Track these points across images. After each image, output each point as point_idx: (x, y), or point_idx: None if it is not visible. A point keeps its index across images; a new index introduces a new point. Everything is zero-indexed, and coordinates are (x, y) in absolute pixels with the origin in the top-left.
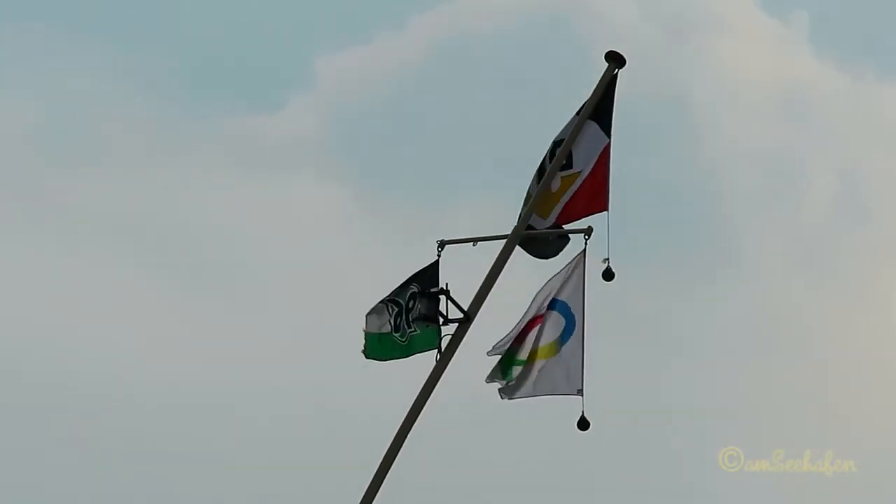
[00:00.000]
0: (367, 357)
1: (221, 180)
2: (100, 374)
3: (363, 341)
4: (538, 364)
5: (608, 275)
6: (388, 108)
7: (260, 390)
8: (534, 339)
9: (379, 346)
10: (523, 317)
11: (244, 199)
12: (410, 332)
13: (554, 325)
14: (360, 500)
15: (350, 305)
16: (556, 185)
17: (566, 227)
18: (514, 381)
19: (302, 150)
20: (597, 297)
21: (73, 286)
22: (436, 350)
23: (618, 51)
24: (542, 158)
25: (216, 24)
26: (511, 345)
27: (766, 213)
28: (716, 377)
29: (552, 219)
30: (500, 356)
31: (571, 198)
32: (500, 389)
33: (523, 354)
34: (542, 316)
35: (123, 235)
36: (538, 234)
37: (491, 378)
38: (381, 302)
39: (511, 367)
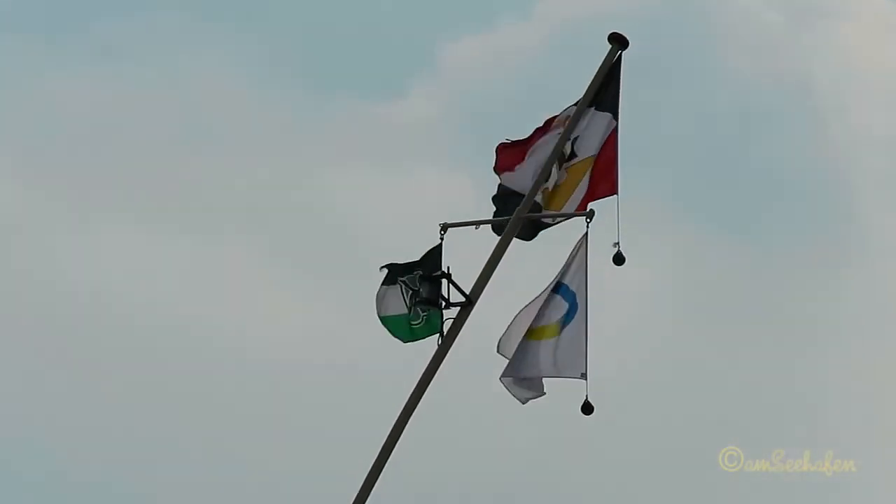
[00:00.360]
0: (404, 342)
1: (346, 167)
2: (233, 362)
3: (387, 328)
4: (538, 344)
5: (619, 259)
6: (512, 95)
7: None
8: (533, 318)
9: (399, 328)
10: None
11: (368, 186)
12: (424, 315)
13: (555, 308)
14: (361, 484)
15: None
16: (562, 177)
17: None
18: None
19: (424, 137)
20: (731, 282)
21: (205, 273)
22: (437, 335)
23: (620, 32)
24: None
25: (342, 11)
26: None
27: (891, 198)
28: (848, 364)
29: (569, 209)
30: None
31: (589, 184)
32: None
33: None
34: (546, 297)
35: (250, 220)
36: (540, 218)
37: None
38: (390, 284)
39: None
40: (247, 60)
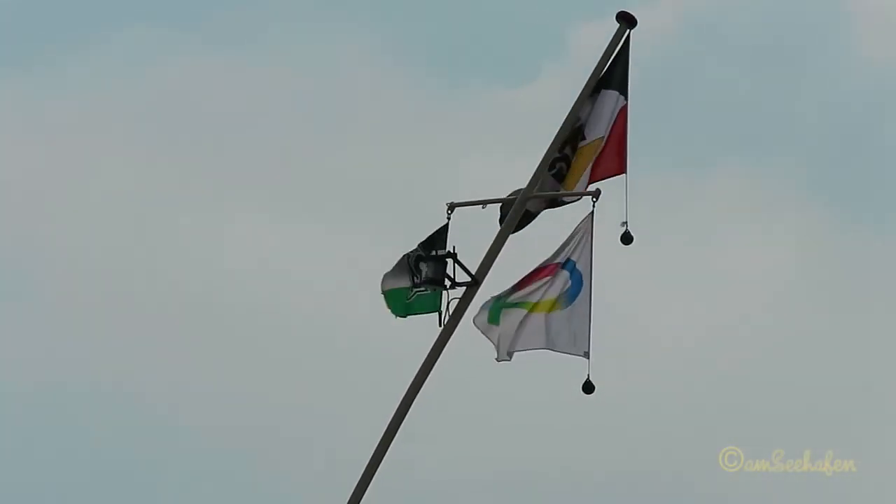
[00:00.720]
0: (396, 316)
1: (478, 152)
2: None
3: (385, 302)
4: (539, 317)
5: (626, 238)
6: (639, 80)
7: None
8: (534, 289)
9: (396, 302)
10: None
11: (501, 170)
12: (419, 291)
13: (559, 282)
14: (367, 462)
15: None
16: (572, 157)
17: (573, 190)
18: (502, 327)
19: (556, 120)
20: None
21: (335, 258)
22: (436, 313)
23: (628, 11)
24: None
25: None
26: (504, 291)
27: None
28: None
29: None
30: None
31: (594, 164)
32: (497, 349)
33: (518, 299)
34: (546, 269)
35: (382, 205)
36: (546, 197)
37: (478, 321)
38: (398, 263)
39: (500, 311)
40: (379, 48)
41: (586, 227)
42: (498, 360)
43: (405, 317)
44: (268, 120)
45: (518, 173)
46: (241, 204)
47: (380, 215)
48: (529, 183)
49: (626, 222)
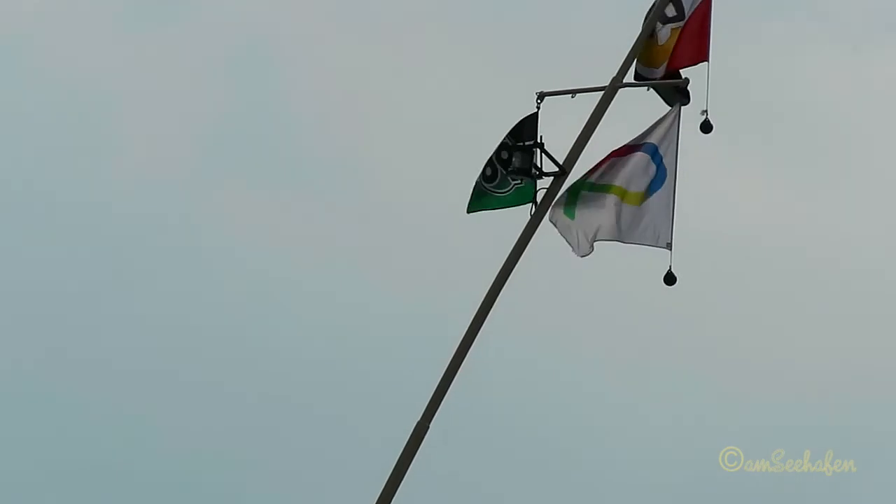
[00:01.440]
0: (467, 212)
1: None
2: None
3: (472, 198)
4: (620, 207)
5: (706, 127)
6: None
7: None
8: (615, 173)
9: (477, 200)
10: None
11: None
12: (515, 184)
13: (644, 172)
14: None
15: None
16: (664, 36)
17: (663, 80)
18: (580, 219)
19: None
20: None
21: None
22: (531, 204)
23: None
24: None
25: None
26: (582, 176)
27: None
28: None
29: (661, 71)
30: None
31: (675, 48)
32: (577, 245)
33: (599, 181)
34: (630, 150)
35: (469, 94)
36: (636, 87)
37: (554, 218)
38: (488, 160)
39: (578, 196)
40: None
41: (674, 117)
42: (579, 255)
43: (501, 209)
44: None
45: (608, 60)
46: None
47: (466, 107)
48: (619, 70)
49: (707, 111)
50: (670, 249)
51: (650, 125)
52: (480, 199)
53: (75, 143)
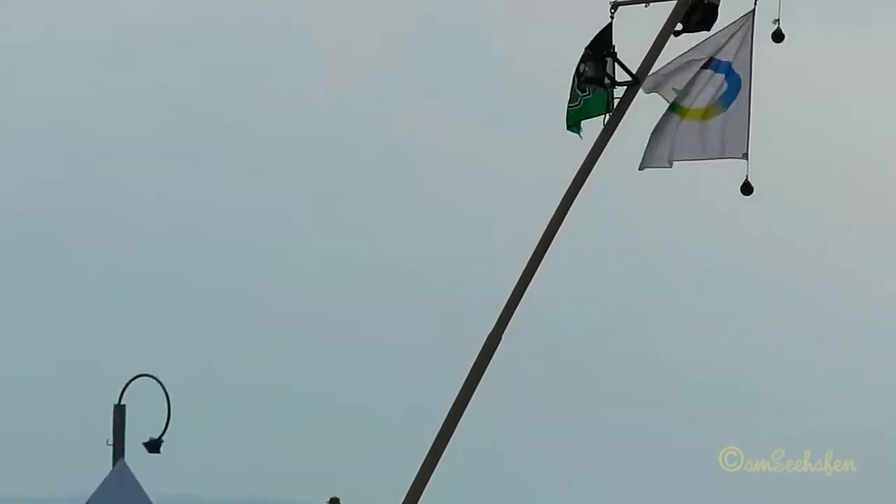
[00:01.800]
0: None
1: None
2: None
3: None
4: (692, 125)
5: (778, 36)
6: None
7: None
8: (684, 92)
9: (568, 117)
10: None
11: None
12: (584, 96)
13: (714, 87)
14: (529, 258)
15: None
16: None
17: None
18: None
19: None
20: None
21: None
22: (604, 114)
23: None
24: None
25: None
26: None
27: None
28: None
29: None
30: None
31: None
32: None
33: (682, 101)
34: (702, 67)
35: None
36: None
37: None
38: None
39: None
40: None
41: (746, 27)
42: (640, 168)
43: (581, 121)
44: None
45: None
46: None
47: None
48: None
49: (779, 20)
50: (747, 159)
51: (722, 40)
52: (569, 115)
53: None
